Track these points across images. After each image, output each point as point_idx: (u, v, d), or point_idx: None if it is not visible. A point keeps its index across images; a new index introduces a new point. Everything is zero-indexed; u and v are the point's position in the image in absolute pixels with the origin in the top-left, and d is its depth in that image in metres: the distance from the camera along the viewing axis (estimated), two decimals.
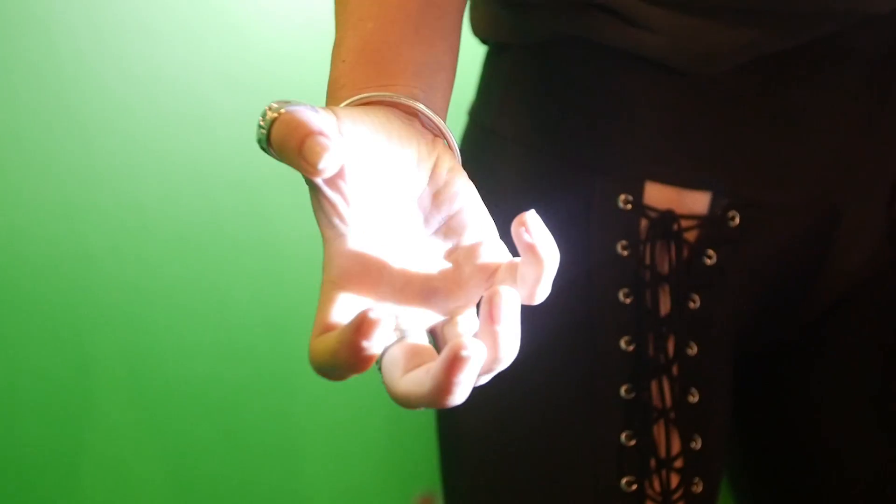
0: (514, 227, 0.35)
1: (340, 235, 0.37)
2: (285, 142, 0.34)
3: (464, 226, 0.40)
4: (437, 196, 0.40)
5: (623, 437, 0.59)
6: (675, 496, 0.59)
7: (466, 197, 0.40)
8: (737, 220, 0.59)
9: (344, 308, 0.35)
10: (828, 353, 0.68)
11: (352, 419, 1.48)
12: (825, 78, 0.58)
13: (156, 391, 1.29)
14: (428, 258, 0.39)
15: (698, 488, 0.60)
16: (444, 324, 0.38)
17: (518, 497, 0.63)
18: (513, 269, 0.37)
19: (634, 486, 0.59)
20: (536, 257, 0.35)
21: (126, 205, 1.23)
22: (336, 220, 0.37)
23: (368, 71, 0.43)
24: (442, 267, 0.39)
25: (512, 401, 0.63)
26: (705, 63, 0.56)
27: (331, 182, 0.36)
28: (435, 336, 0.39)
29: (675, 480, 0.59)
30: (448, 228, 0.40)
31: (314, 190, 0.37)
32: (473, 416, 0.65)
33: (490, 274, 0.38)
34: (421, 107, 0.41)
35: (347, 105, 0.40)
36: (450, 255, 0.40)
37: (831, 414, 0.67)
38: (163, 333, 1.29)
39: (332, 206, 0.36)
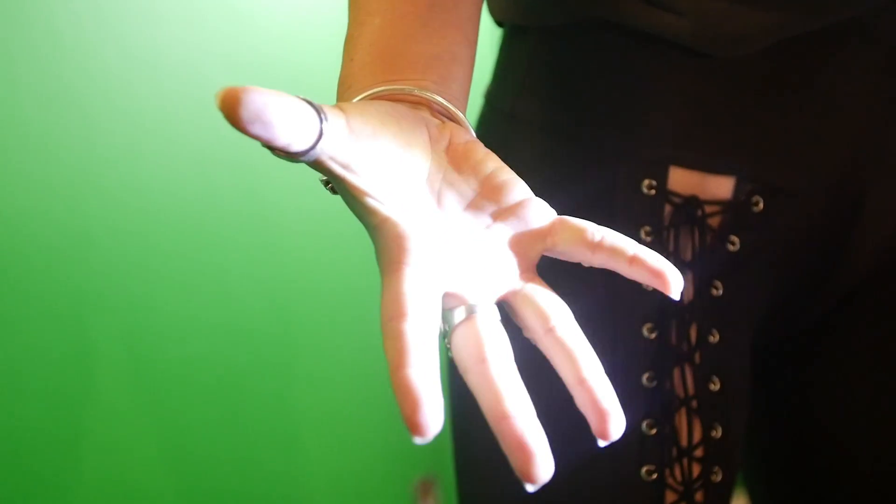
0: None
1: (384, 219, 0.37)
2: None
3: (503, 184, 0.41)
4: (463, 167, 0.41)
5: (644, 425, 0.58)
6: (696, 485, 0.59)
7: (494, 160, 0.41)
8: (760, 206, 0.58)
9: (414, 285, 0.35)
10: (848, 344, 0.67)
11: (353, 403, 1.48)
12: (850, 61, 0.57)
13: (156, 374, 1.29)
14: (476, 228, 0.40)
15: (717, 477, 0.60)
16: (515, 294, 0.39)
17: None
18: (565, 226, 0.39)
19: (655, 475, 0.58)
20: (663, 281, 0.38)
21: (127, 187, 1.22)
22: (372, 202, 0.37)
23: (375, 68, 0.43)
24: (494, 235, 0.40)
25: (531, 386, 0.62)
26: (731, 46, 0.55)
27: (348, 168, 0.36)
28: (508, 305, 0.39)
29: (695, 470, 0.59)
30: (488, 191, 0.41)
31: (340, 183, 0.38)
32: None
33: (545, 234, 0.40)
34: (427, 94, 0.42)
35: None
36: (497, 217, 0.40)
37: (849, 402, 0.67)
38: (164, 317, 1.28)
39: (361, 190, 0.37)
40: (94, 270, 1.21)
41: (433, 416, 0.31)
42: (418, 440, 0.31)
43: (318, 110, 0.35)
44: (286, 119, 0.33)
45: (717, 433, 0.59)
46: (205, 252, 1.30)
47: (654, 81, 0.58)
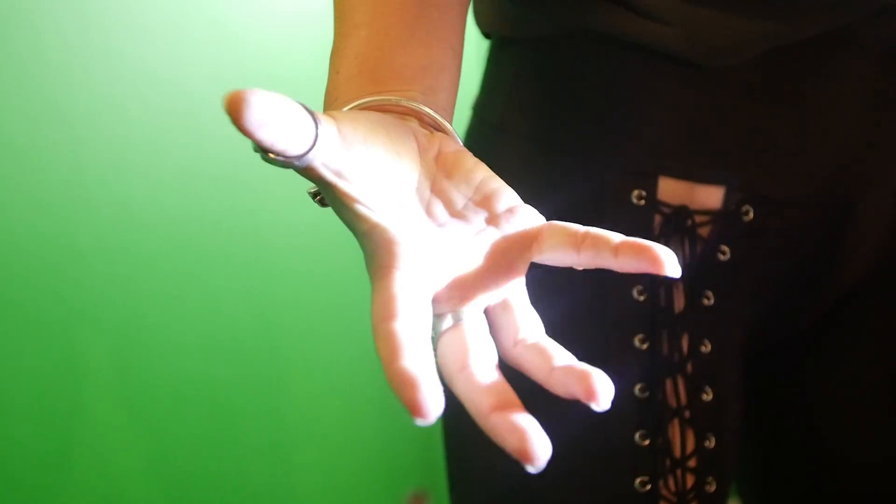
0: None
1: (374, 226, 0.36)
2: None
3: (492, 192, 0.40)
4: (452, 175, 0.41)
5: (637, 436, 0.58)
6: (690, 496, 0.59)
7: (483, 169, 0.41)
8: (750, 215, 0.58)
9: (404, 289, 0.34)
10: (837, 348, 0.67)
11: (343, 417, 1.47)
12: (839, 70, 0.57)
13: (145, 389, 1.28)
14: (465, 236, 0.39)
15: (711, 487, 0.59)
16: (497, 307, 0.38)
17: (530, 497, 0.62)
18: (554, 229, 0.38)
19: (649, 487, 0.58)
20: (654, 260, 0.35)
21: (115, 201, 1.21)
22: (362, 209, 0.37)
23: (361, 80, 0.43)
24: (482, 242, 0.39)
25: (523, 398, 0.62)
26: (720, 55, 0.55)
27: (339, 174, 0.36)
28: (488, 318, 0.38)
29: (689, 480, 0.58)
30: (478, 199, 0.40)
31: (331, 191, 0.37)
32: None
33: (532, 240, 0.39)
34: (414, 105, 0.42)
35: None
36: (488, 224, 0.40)
37: (846, 404, 0.67)
38: (152, 331, 1.27)
39: (352, 197, 0.37)
40: (82, 284, 1.21)
41: (432, 397, 0.30)
42: (420, 422, 0.30)
43: (313, 115, 0.35)
44: (286, 122, 0.33)
45: (711, 443, 0.59)
46: (193, 264, 1.29)
47: (642, 92, 0.58)
